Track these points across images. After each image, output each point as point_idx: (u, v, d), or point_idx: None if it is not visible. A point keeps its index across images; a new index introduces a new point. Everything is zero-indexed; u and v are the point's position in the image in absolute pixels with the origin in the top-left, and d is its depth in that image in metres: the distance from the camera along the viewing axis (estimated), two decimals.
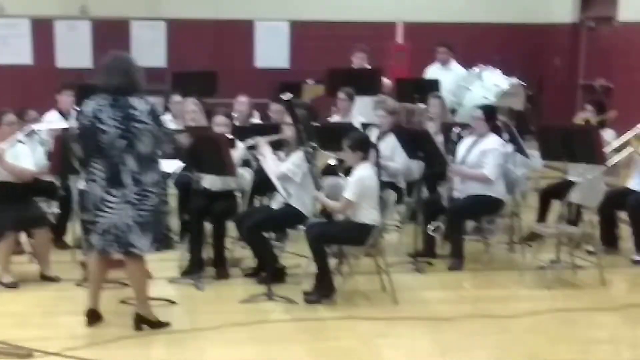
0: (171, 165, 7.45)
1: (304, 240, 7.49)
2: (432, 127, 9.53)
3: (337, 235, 7.39)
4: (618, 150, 8.82)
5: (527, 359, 6.26)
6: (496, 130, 8.62)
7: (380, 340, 6.58)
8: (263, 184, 8.08)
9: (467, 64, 12.83)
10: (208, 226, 7.99)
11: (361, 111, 10.51)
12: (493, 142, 8.43)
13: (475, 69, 12.76)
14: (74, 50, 15.55)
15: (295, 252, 8.40)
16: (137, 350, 6.28)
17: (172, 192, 9.72)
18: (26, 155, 7.98)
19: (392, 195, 7.68)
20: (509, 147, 8.75)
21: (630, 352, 6.61)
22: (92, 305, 6.63)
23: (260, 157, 7.74)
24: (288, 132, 7.72)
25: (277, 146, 7.96)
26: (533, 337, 6.66)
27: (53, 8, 15.61)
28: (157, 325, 6.61)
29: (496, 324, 6.89)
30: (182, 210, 8.71)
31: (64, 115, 9.47)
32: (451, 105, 11.77)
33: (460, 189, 8.41)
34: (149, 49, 15.55)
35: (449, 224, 8.34)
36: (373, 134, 9.03)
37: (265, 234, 7.69)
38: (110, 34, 14.99)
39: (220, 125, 8.17)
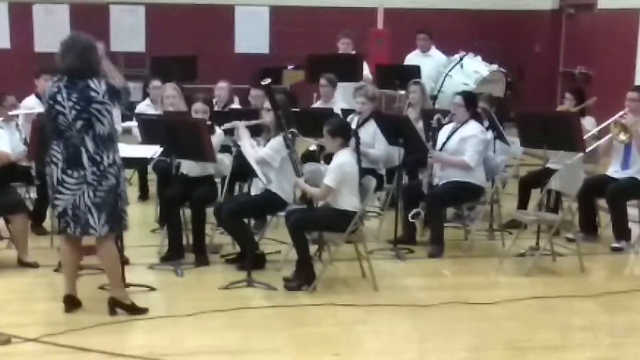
0: (150, 151, 7.39)
1: (284, 227, 7.48)
2: (412, 114, 9.53)
3: (317, 222, 7.37)
4: (598, 137, 8.86)
5: (506, 346, 6.27)
6: (476, 117, 8.62)
7: (360, 327, 6.58)
8: (242, 170, 8.05)
9: (448, 50, 12.85)
10: (187, 212, 7.96)
11: (344, 97, 10.49)
12: (473, 129, 8.42)
13: (456, 56, 12.78)
14: (52, 34, 15.32)
15: (275, 239, 8.39)
16: (116, 337, 6.24)
17: (151, 177, 9.76)
18: (3, 140, 7.92)
19: (372, 181, 7.66)
20: (489, 134, 8.76)
21: (608, 338, 6.63)
22: (69, 291, 6.59)
23: (239, 142, 7.70)
24: (267, 117, 7.69)
25: (256, 132, 7.94)
26: (512, 323, 6.67)
27: None
28: (132, 309, 6.57)
29: (476, 310, 6.89)
30: (161, 195, 8.67)
31: (42, 99, 9.38)
32: (431, 91, 11.79)
33: (441, 175, 8.41)
34: (128, 34, 15.49)
35: (429, 211, 8.34)
36: (353, 121, 9.01)
37: (245, 220, 7.66)
38: (89, 19, 14.83)
39: (199, 111, 8.12)
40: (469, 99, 8.63)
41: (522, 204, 9.18)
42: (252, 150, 7.57)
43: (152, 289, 7.16)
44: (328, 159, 7.64)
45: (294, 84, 13.22)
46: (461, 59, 12.68)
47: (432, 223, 8.48)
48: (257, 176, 7.43)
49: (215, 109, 9.13)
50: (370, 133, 8.92)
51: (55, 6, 15.58)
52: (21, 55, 14.93)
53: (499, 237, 8.83)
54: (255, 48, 16.04)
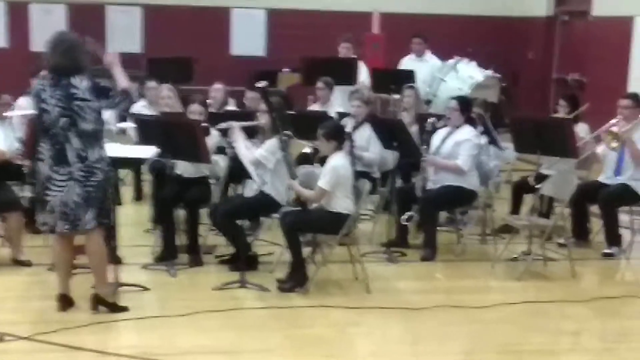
0: (146, 151, 7.42)
1: (278, 228, 7.51)
2: (406, 118, 9.55)
3: (311, 224, 7.40)
4: (591, 144, 8.89)
5: (497, 349, 6.29)
6: (471, 121, 8.65)
7: (353, 329, 6.61)
8: (237, 172, 8.07)
9: (443, 55, 12.87)
10: (182, 213, 7.98)
11: (341, 101, 10.51)
12: (467, 133, 8.46)
13: (451, 61, 12.80)
14: (49, 34, 15.35)
15: (269, 240, 8.41)
16: (109, 336, 6.27)
17: (146, 177, 9.78)
18: None
19: (366, 184, 7.69)
20: (483, 139, 8.79)
21: (599, 343, 6.68)
22: (62, 290, 6.61)
23: (234, 143, 7.72)
24: (263, 119, 7.72)
25: (252, 134, 7.96)
26: (504, 327, 6.71)
27: None
28: (114, 307, 6.60)
29: (468, 314, 6.92)
30: (155, 196, 8.68)
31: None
32: (426, 96, 11.81)
33: (434, 179, 8.44)
34: (124, 35, 15.49)
35: (422, 215, 8.37)
36: (348, 124, 9.04)
37: (239, 222, 7.68)
38: (86, 19, 14.87)
39: (195, 113, 8.14)
40: (464, 103, 8.67)
41: (515, 209, 9.22)
42: (246, 151, 7.60)
43: (146, 288, 7.18)
44: (322, 161, 7.67)
45: (289, 86, 13.24)
46: (456, 64, 12.71)
47: (425, 226, 8.51)
48: (251, 178, 7.45)
49: (211, 110, 9.15)
50: (364, 136, 8.96)
51: (52, 6, 15.57)
52: (18, 55, 14.89)
53: (492, 241, 8.85)
54: (251, 51, 16.05)
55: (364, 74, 11.83)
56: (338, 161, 7.32)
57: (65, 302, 6.60)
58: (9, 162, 8.04)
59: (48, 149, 6.29)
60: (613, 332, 6.88)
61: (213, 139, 8.02)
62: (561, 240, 8.61)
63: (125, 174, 10.51)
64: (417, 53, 12.57)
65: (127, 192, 10.28)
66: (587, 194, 8.60)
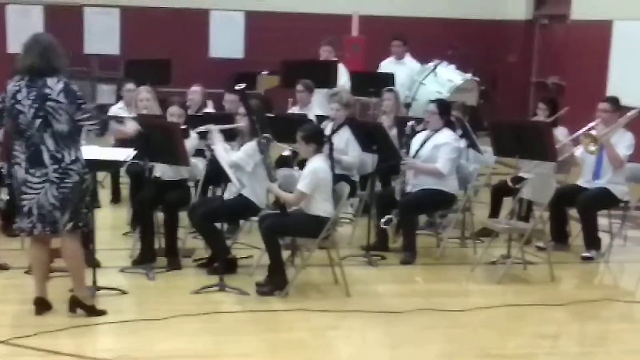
0: (124, 154, 7.37)
1: (257, 232, 7.48)
2: (386, 121, 9.55)
3: (290, 227, 7.37)
4: (568, 147, 8.91)
5: (477, 353, 6.29)
6: (450, 125, 8.65)
7: (332, 333, 6.60)
8: (216, 174, 8.03)
9: (422, 58, 12.89)
10: (160, 216, 7.94)
11: (320, 103, 10.49)
12: (446, 137, 8.46)
13: (430, 64, 12.82)
14: (26, 35, 15.25)
15: (248, 244, 8.38)
16: (87, 340, 6.23)
17: (124, 180, 9.72)
18: None
19: (345, 187, 7.67)
20: (462, 143, 8.81)
21: (578, 347, 6.69)
22: (39, 293, 6.55)
23: (213, 146, 7.68)
24: (242, 122, 7.68)
25: (231, 136, 7.93)
26: (483, 331, 6.70)
27: None
28: (92, 310, 6.56)
29: (447, 317, 6.92)
30: (133, 198, 8.63)
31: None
32: (405, 99, 11.81)
33: (414, 183, 8.43)
34: (102, 36, 15.44)
35: (402, 218, 8.36)
36: (328, 127, 9.02)
37: (218, 225, 7.64)
38: (63, 20, 14.80)
39: (174, 115, 8.10)
40: (443, 106, 8.67)
41: (494, 213, 9.23)
42: (225, 154, 7.56)
43: (124, 292, 7.13)
44: (302, 164, 7.64)
45: (268, 89, 13.23)
46: (435, 68, 12.72)
47: (404, 230, 8.50)
48: (230, 181, 7.42)
49: (188, 112, 9.11)
50: (344, 139, 8.95)
51: (29, 7, 15.48)
52: None
53: (471, 245, 8.86)
54: (229, 53, 16.03)
55: (344, 77, 11.81)
56: (317, 164, 7.30)
57: (43, 305, 6.55)
58: None
59: (23, 152, 6.25)
60: (592, 335, 6.90)
61: (192, 141, 7.98)
62: (540, 244, 8.63)
63: (103, 176, 10.45)
64: (396, 55, 12.56)
65: (105, 195, 10.21)
66: (566, 197, 8.61)
